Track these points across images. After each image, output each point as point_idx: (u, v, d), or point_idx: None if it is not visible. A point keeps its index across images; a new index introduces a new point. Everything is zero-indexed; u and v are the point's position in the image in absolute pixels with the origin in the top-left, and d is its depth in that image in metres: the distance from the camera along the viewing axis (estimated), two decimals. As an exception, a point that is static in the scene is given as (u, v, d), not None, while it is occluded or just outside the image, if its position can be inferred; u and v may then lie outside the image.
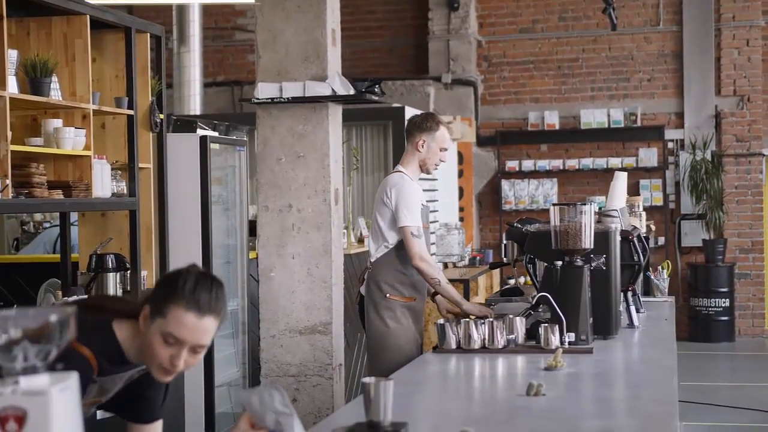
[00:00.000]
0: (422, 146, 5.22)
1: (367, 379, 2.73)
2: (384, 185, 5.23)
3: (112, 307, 2.71)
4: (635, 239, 5.03)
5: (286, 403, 2.48)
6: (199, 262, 6.20)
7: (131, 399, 2.79)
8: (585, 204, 4.40)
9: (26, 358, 1.73)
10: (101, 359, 2.60)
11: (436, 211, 10.42)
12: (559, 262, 4.38)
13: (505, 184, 12.84)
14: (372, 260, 5.25)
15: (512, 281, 11.63)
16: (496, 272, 11.34)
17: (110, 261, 5.34)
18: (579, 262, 4.38)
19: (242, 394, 2.51)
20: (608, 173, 12.40)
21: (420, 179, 5.36)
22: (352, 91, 5.69)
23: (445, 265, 10.21)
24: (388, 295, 5.15)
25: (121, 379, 2.72)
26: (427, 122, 5.26)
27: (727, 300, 12.17)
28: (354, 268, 7.54)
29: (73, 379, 1.77)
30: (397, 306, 5.15)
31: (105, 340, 2.63)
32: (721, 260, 12.22)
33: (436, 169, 5.38)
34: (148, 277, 5.74)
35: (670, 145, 12.65)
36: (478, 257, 11.21)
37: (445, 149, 5.29)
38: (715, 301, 12.14)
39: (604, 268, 4.50)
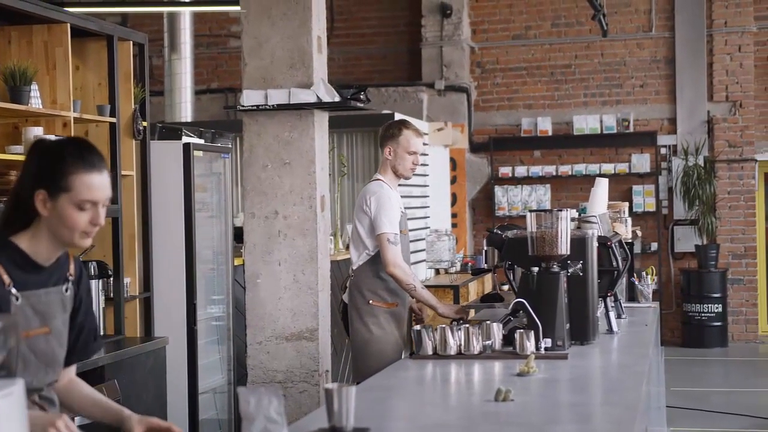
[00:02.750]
0: (390, 153, 5.33)
1: (329, 386, 2.75)
2: (363, 193, 5.32)
3: (5, 234, 2.73)
4: (614, 245, 5.04)
5: (280, 412, 2.50)
6: (183, 269, 6.23)
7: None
8: (561, 210, 4.41)
9: (-31, 365, 1.75)
10: (8, 266, 2.65)
11: (427, 217, 10.45)
12: (536, 268, 4.39)
13: (498, 191, 12.86)
14: (354, 267, 5.32)
15: (506, 287, 11.63)
16: (488, 278, 11.35)
17: (93, 268, 5.35)
18: (555, 268, 4.40)
19: (243, 390, 2.55)
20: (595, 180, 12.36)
21: (408, 185, 5.45)
22: (337, 98, 5.71)
23: (437, 271, 10.23)
24: (370, 301, 5.22)
25: (48, 297, 2.73)
26: (389, 129, 5.37)
27: (720, 305, 12.17)
28: (342, 275, 7.55)
29: (18, 385, 1.79)
30: (380, 312, 5.20)
31: (7, 251, 2.68)
32: (714, 266, 12.22)
33: (413, 172, 5.43)
34: (131, 284, 5.75)
35: (663, 150, 12.66)
36: (470, 263, 11.22)
37: (414, 152, 5.34)
38: (708, 307, 12.14)
39: (581, 274, 4.51)
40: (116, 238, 5.56)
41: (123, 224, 5.62)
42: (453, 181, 12.35)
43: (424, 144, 9.05)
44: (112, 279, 5.51)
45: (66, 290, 2.79)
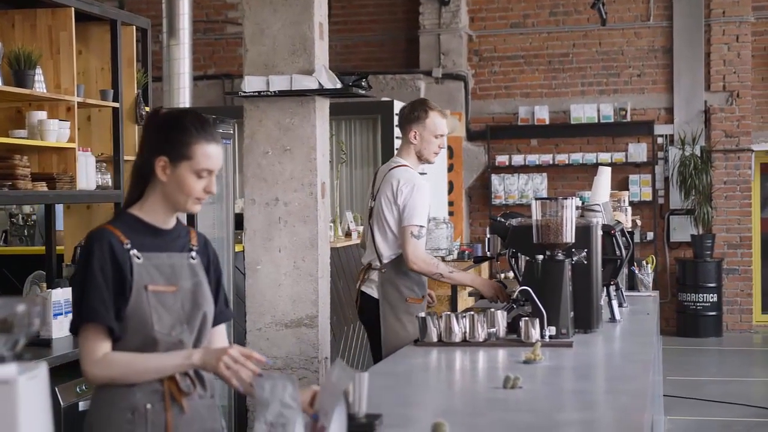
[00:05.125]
0: (415, 137, 5.07)
1: (341, 371, 2.75)
2: (390, 180, 5.04)
3: (124, 207, 2.93)
4: (618, 234, 5.05)
5: (294, 397, 2.51)
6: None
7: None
8: (566, 198, 4.41)
9: (-7, 348, 1.75)
10: (125, 230, 2.82)
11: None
12: (541, 256, 4.39)
13: (495, 179, 12.87)
14: (384, 261, 5.06)
15: (501, 275, 11.65)
16: (485, 266, 11.37)
17: (95, 253, 5.32)
18: (560, 257, 4.39)
19: (258, 376, 2.63)
20: (597, 168, 12.39)
21: None
22: (338, 85, 5.69)
23: (434, 259, 10.23)
24: (408, 299, 5.02)
25: (171, 260, 2.87)
26: (414, 112, 5.09)
27: (715, 295, 12.21)
28: (341, 262, 7.55)
29: (42, 368, 1.79)
30: (414, 309, 4.99)
31: (123, 218, 2.87)
32: (710, 255, 12.26)
33: (437, 156, 5.21)
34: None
35: (660, 140, 12.69)
36: (467, 251, 11.23)
37: (441, 135, 5.09)
38: (703, 296, 12.18)
39: (585, 262, 4.51)
40: (118, 223, 5.54)
41: (125, 209, 5.60)
42: (450, 169, 12.35)
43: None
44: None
45: (192, 258, 2.92)
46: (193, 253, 2.93)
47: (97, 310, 2.74)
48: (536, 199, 4.46)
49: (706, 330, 12.18)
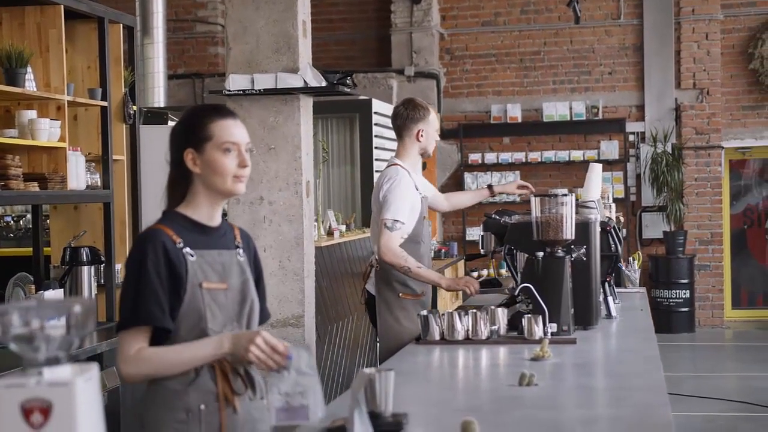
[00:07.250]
0: (421, 136, 5.14)
1: (368, 370, 2.73)
2: (379, 180, 5.13)
3: (169, 208, 2.89)
4: (612, 230, 5.06)
5: (311, 365, 2.50)
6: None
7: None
8: (566, 195, 4.41)
9: (49, 349, 1.71)
10: (176, 229, 2.79)
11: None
12: (541, 253, 4.39)
13: (468, 177, 12.88)
14: (378, 258, 5.07)
15: (475, 273, 11.68)
16: (461, 264, 11.40)
17: (85, 254, 5.27)
18: (560, 253, 4.40)
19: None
20: (570, 166, 12.50)
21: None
22: (324, 83, 5.67)
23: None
24: (401, 294, 5.04)
25: (222, 257, 2.85)
26: (419, 111, 5.15)
27: (687, 291, 12.30)
28: (325, 261, 7.51)
29: (95, 370, 1.75)
30: (409, 304, 5.02)
31: (171, 217, 2.84)
32: (682, 252, 12.35)
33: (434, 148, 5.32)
34: (122, 270, 5.67)
35: (631, 137, 12.76)
36: (443, 250, 11.25)
37: (437, 129, 5.25)
38: (676, 293, 12.27)
39: (585, 258, 4.52)
40: (108, 223, 5.47)
41: (114, 210, 5.54)
42: (423, 167, 12.31)
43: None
44: (103, 265, 5.42)
45: (239, 255, 2.90)
46: (240, 250, 2.91)
47: (153, 313, 2.71)
48: (536, 195, 4.46)
49: (678, 326, 12.26)
